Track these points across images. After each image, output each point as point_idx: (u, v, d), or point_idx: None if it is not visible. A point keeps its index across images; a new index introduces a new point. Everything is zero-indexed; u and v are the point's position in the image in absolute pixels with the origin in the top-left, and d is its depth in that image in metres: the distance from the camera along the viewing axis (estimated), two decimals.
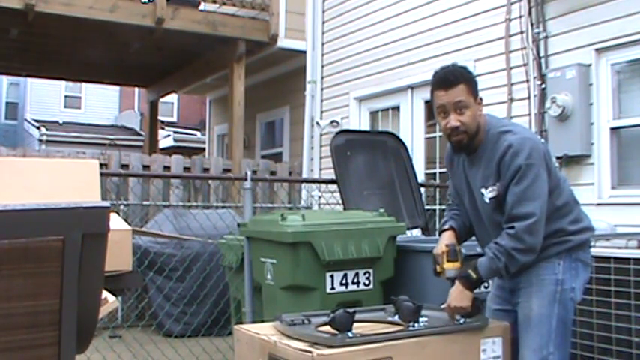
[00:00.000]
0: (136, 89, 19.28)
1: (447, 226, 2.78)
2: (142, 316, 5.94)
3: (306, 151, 7.98)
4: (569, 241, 2.53)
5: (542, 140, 2.69)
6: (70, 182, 2.53)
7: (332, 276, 3.36)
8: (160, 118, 13.56)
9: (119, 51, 9.78)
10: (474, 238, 2.85)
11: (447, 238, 2.73)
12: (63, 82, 18.74)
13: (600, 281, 3.33)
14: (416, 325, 2.52)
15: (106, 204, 1.44)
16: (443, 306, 2.63)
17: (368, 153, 4.83)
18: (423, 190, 5.69)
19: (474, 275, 2.52)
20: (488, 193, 2.55)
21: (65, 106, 20.47)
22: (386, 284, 3.53)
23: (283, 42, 9.03)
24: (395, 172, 4.84)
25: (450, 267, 2.63)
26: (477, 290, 2.61)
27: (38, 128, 17.86)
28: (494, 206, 2.55)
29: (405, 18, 6.70)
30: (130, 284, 2.64)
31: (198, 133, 18.12)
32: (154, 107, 12.45)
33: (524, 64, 5.34)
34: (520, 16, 5.42)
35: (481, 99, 2.59)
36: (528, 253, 2.46)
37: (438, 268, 2.68)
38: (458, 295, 2.55)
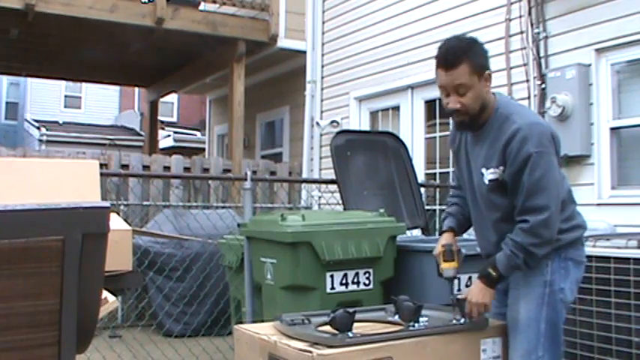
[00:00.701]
0: (136, 89, 19.28)
1: (445, 227, 2.77)
2: (142, 316, 5.94)
3: (306, 151, 7.98)
4: (558, 241, 2.46)
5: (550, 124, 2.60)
6: (70, 182, 2.53)
7: (332, 276, 3.36)
8: (160, 118, 13.56)
9: (119, 51, 9.78)
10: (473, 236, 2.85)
11: (445, 238, 2.72)
12: (63, 82, 18.74)
13: (600, 281, 3.33)
14: (416, 325, 2.52)
15: (106, 204, 1.44)
16: (460, 296, 2.59)
17: (368, 153, 4.82)
18: (423, 190, 5.69)
19: (494, 273, 2.47)
20: (488, 174, 2.48)
21: (65, 106, 20.47)
22: (386, 284, 3.53)
23: (283, 42, 9.04)
24: (395, 172, 4.84)
25: (447, 267, 2.64)
26: None
27: (38, 128, 17.86)
28: (491, 187, 2.48)
29: (405, 18, 6.70)
30: (130, 284, 2.64)
31: (198, 133, 18.12)
32: (154, 107, 12.45)
33: (524, 64, 5.34)
34: (520, 16, 5.42)
35: (489, 74, 2.49)
36: (546, 245, 2.41)
37: (440, 270, 2.68)
38: (479, 292, 2.51)
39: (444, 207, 6.23)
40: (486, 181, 2.49)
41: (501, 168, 2.44)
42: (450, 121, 2.73)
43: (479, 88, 2.45)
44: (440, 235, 2.80)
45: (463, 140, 2.66)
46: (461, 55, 2.42)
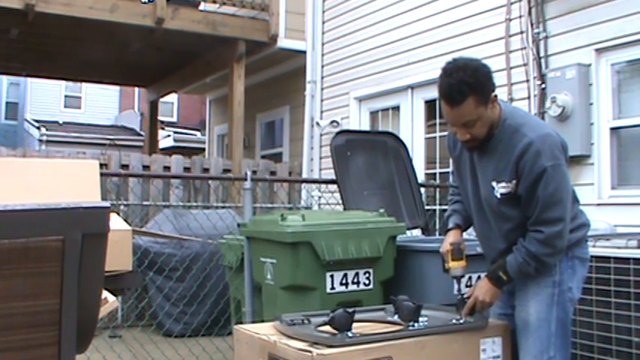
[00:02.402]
0: (136, 89, 19.29)
1: (451, 225, 2.76)
2: (142, 316, 5.94)
3: (306, 151, 7.98)
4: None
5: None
6: (70, 182, 2.53)
7: (332, 276, 3.36)
8: (160, 118, 13.56)
9: (119, 51, 9.78)
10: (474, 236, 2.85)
11: (452, 236, 2.71)
12: (63, 82, 18.75)
13: (600, 281, 3.33)
14: (416, 325, 2.52)
15: (106, 204, 1.44)
16: (466, 295, 2.62)
17: (368, 153, 4.82)
18: (423, 190, 5.69)
19: (504, 277, 2.51)
20: (500, 188, 2.46)
21: (65, 106, 20.47)
22: (386, 284, 3.53)
23: (283, 42, 9.03)
24: (395, 172, 4.84)
25: (456, 266, 2.64)
26: None
27: (38, 128, 17.86)
28: (503, 201, 2.48)
29: (405, 18, 6.70)
30: (130, 284, 2.63)
31: (198, 133, 18.12)
32: (154, 107, 12.45)
33: (524, 64, 5.34)
34: (520, 16, 5.42)
35: (495, 96, 2.43)
36: (558, 255, 2.45)
37: (446, 266, 2.68)
38: (488, 291, 2.55)
39: (444, 207, 6.24)
40: (498, 195, 2.48)
41: (514, 182, 2.43)
42: None
43: (486, 116, 2.41)
44: (445, 232, 2.78)
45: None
46: (465, 90, 2.33)
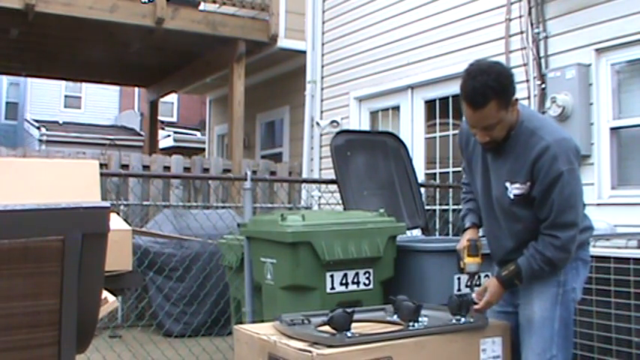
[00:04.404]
0: (136, 89, 19.29)
1: (468, 224, 2.77)
2: (142, 316, 5.94)
3: (306, 151, 7.98)
4: None
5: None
6: (70, 182, 2.53)
7: (332, 276, 3.36)
8: (160, 118, 13.56)
9: (119, 51, 9.78)
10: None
11: (469, 233, 2.73)
12: (63, 82, 18.76)
13: (600, 281, 3.34)
14: (415, 325, 2.52)
15: (106, 204, 1.44)
16: (474, 295, 2.63)
17: (368, 153, 4.82)
18: (423, 190, 5.69)
19: (517, 282, 2.53)
20: (513, 189, 2.48)
21: (65, 106, 20.48)
22: (386, 284, 3.53)
23: (283, 42, 9.04)
24: (395, 172, 4.84)
25: (471, 262, 2.65)
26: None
27: (38, 128, 17.87)
28: (516, 202, 2.49)
29: (405, 18, 6.70)
30: (130, 284, 2.63)
31: (198, 133, 18.12)
32: (154, 107, 12.45)
33: (524, 64, 5.34)
34: (520, 16, 5.42)
35: (516, 99, 2.43)
36: (570, 258, 2.48)
37: (462, 264, 2.70)
38: (498, 293, 2.57)
39: (444, 207, 6.25)
40: (511, 196, 2.49)
41: (528, 184, 2.44)
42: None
43: (507, 119, 2.42)
44: (463, 231, 2.80)
45: (479, 146, 2.61)
46: (489, 93, 2.33)
